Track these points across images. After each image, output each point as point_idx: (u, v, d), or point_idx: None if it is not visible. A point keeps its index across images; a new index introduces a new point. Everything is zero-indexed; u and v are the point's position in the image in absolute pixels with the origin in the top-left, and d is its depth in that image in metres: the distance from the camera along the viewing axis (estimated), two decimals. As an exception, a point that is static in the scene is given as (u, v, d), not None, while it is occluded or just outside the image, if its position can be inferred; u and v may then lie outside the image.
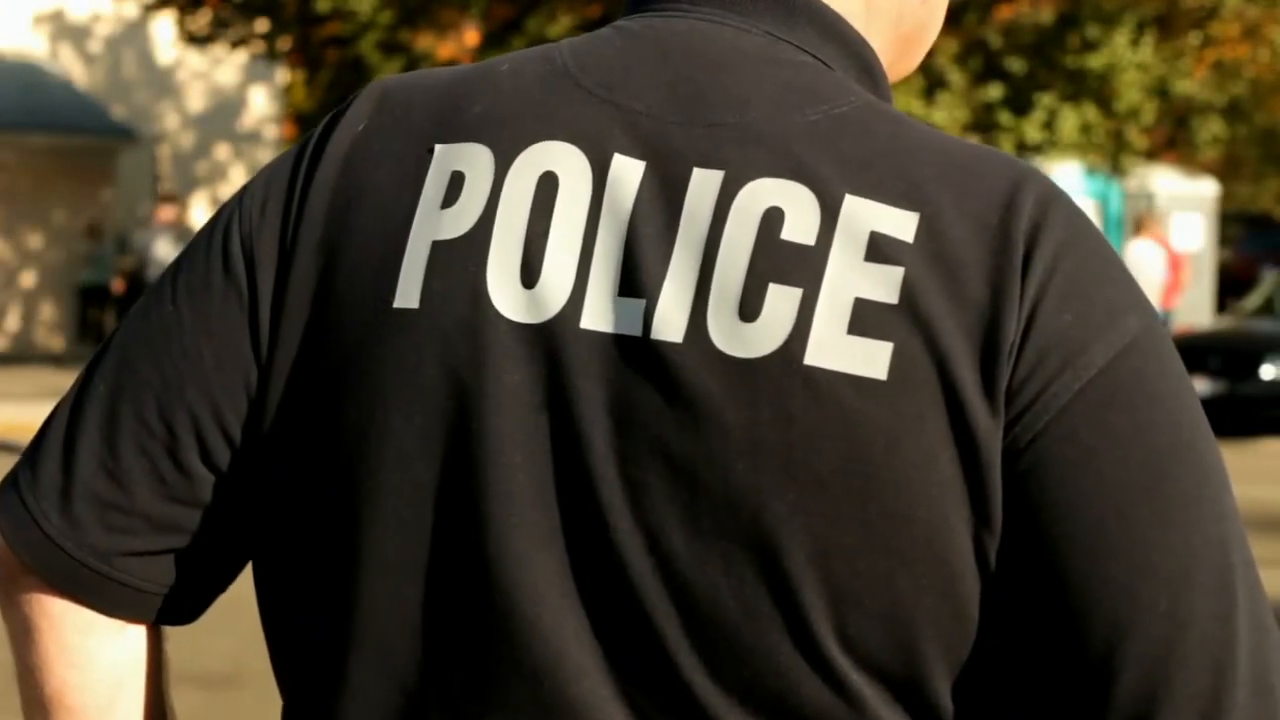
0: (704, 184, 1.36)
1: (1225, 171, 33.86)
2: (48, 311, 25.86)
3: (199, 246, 1.48)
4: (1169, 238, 21.53)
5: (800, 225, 1.34)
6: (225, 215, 1.48)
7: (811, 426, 1.31)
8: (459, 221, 1.39)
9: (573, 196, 1.38)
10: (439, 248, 1.39)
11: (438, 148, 1.42)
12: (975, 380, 1.31)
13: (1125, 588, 1.30)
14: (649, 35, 1.44)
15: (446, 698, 1.39)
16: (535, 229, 1.38)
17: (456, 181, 1.40)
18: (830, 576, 1.32)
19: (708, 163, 1.36)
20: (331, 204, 1.43)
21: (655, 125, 1.39)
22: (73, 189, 25.59)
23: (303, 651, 1.45)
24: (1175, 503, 1.32)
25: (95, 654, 1.49)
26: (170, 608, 1.51)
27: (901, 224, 1.33)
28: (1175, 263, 19.85)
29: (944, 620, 1.33)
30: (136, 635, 1.51)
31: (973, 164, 1.37)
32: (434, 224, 1.39)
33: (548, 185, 1.38)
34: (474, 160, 1.40)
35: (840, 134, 1.37)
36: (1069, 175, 23.05)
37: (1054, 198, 1.36)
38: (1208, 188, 25.04)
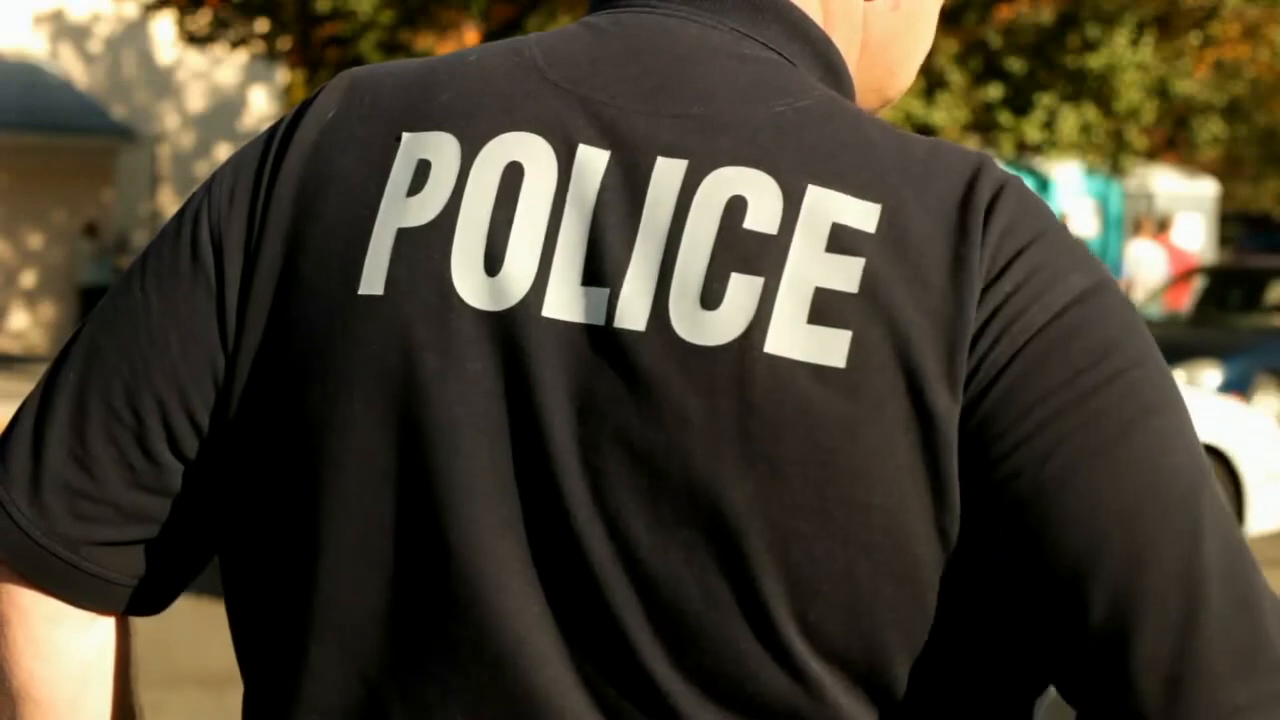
0: (668, 173, 1.36)
1: (1225, 171, 33.85)
2: (48, 311, 25.85)
3: (168, 234, 1.48)
4: (1175, 238, 21.53)
5: (763, 214, 1.34)
6: (194, 203, 1.48)
7: (771, 415, 1.32)
8: (424, 209, 1.39)
9: (537, 186, 1.38)
10: (404, 235, 1.39)
11: (405, 135, 1.42)
12: (938, 366, 1.31)
13: (1080, 528, 1.29)
14: (616, 31, 1.46)
15: (408, 685, 1.39)
16: (499, 217, 1.38)
17: (423, 169, 1.40)
18: (790, 564, 1.32)
19: (672, 152, 1.37)
20: (299, 191, 1.43)
21: (620, 116, 1.39)
22: (73, 189, 25.58)
23: (264, 639, 1.45)
24: (1117, 437, 1.31)
25: (63, 646, 1.49)
26: (138, 599, 1.51)
27: (863, 215, 1.34)
28: (1184, 263, 19.85)
29: (903, 606, 1.33)
30: (105, 627, 1.51)
31: (931, 158, 1.38)
32: (400, 211, 1.40)
33: (513, 174, 1.39)
34: (440, 149, 1.41)
35: (804, 126, 1.38)
36: (1069, 175, 23.05)
37: (1006, 183, 1.36)
38: (1208, 188, 25.05)
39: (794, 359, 1.32)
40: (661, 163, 1.37)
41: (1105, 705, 1.31)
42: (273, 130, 1.48)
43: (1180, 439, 1.33)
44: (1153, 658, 1.29)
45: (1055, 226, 1.37)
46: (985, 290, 1.33)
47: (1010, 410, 1.32)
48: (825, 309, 1.32)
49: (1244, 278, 17.66)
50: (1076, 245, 1.37)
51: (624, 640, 1.35)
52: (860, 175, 1.35)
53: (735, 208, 1.35)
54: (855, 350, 1.32)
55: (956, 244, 1.34)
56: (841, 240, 1.33)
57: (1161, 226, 20.38)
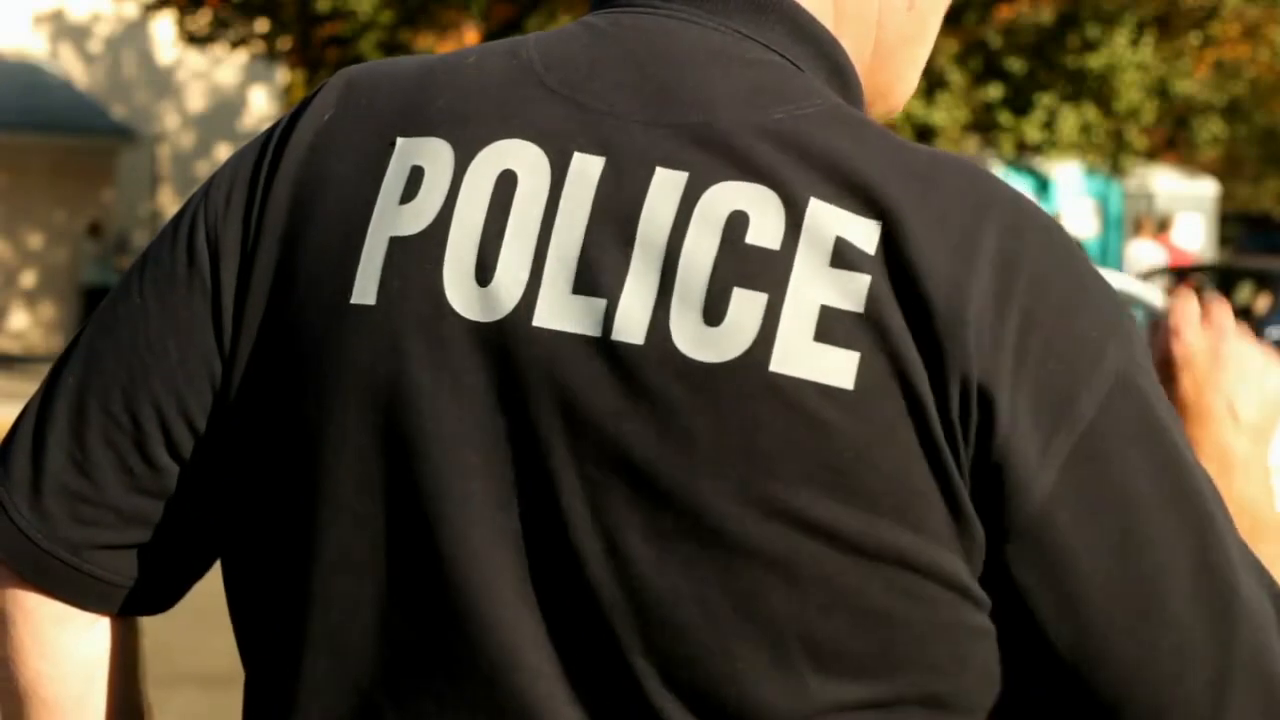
0: (666, 184, 1.34)
1: (1225, 171, 33.85)
2: (48, 311, 25.85)
3: (165, 239, 1.48)
4: (1175, 238, 21.52)
5: (765, 229, 1.32)
6: (192, 206, 1.48)
7: (778, 433, 1.30)
8: (418, 218, 1.38)
9: (531, 195, 1.36)
10: (396, 244, 1.38)
11: (399, 141, 1.41)
12: (933, 401, 1.30)
13: (1127, 653, 1.33)
14: (615, 33, 1.43)
15: (401, 697, 1.38)
16: (492, 227, 1.36)
17: (416, 177, 1.39)
18: (797, 583, 1.31)
19: (671, 163, 1.35)
20: (294, 195, 1.42)
21: (618, 124, 1.37)
22: (73, 189, 25.58)
23: (262, 645, 1.45)
24: (1164, 567, 1.33)
25: (69, 646, 1.49)
26: (142, 599, 1.51)
27: (865, 232, 1.32)
28: (1184, 263, 19.84)
29: (915, 625, 1.32)
30: (109, 627, 1.51)
31: (932, 174, 1.35)
32: (393, 219, 1.38)
33: (506, 183, 1.37)
34: (435, 155, 1.39)
35: (805, 137, 1.35)
36: (1069, 175, 23.05)
37: (1022, 218, 1.35)
38: (1208, 188, 25.06)
39: (802, 378, 1.30)
40: (660, 173, 1.34)
41: None
42: (270, 132, 1.47)
43: (1222, 548, 1.35)
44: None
45: (1078, 270, 1.35)
46: (1006, 337, 1.31)
47: (1066, 515, 1.32)
48: (831, 328, 1.31)
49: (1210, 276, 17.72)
50: (1100, 293, 1.36)
51: (619, 656, 1.33)
52: (860, 192, 1.33)
53: (736, 222, 1.33)
54: (863, 372, 1.30)
55: (960, 275, 1.31)
56: (845, 256, 1.31)
57: (1161, 226, 20.38)
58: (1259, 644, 1.34)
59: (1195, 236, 24.43)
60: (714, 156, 1.34)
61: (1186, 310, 1.56)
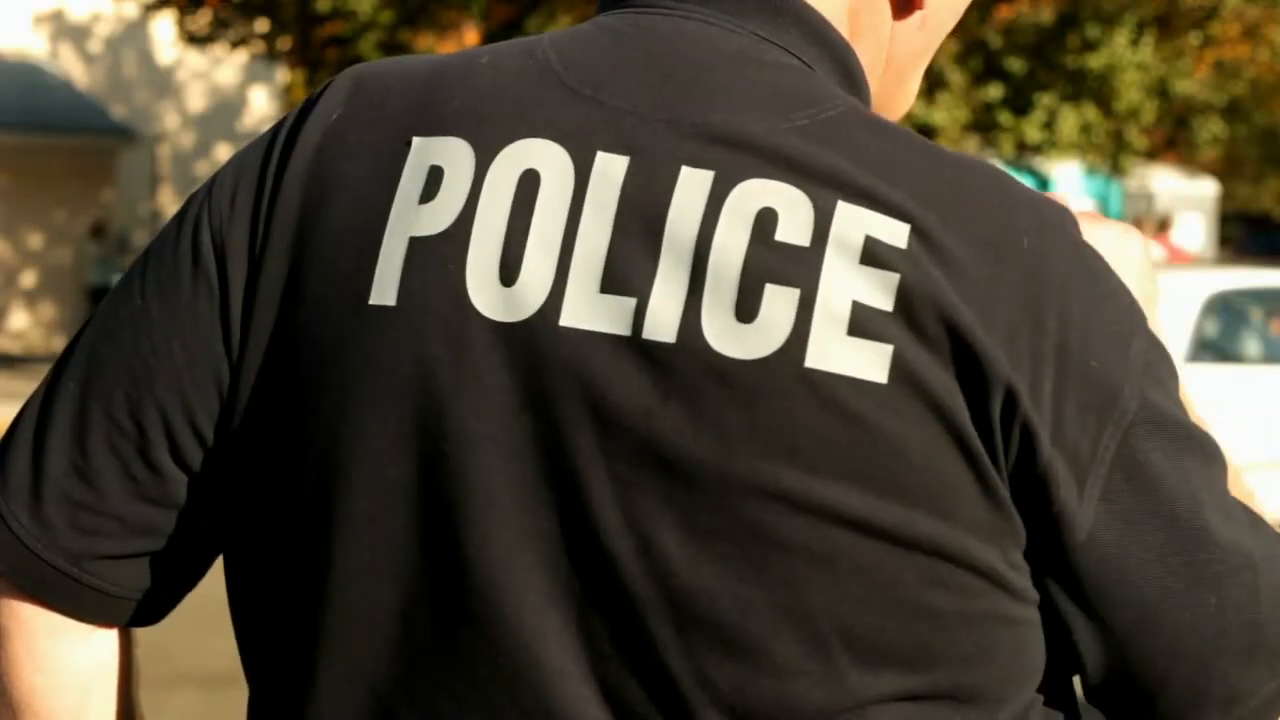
0: (692, 183, 1.34)
1: (1225, 171, 33.85)
2: (48, 311, 25.84)
3: (168, 239, 1.45)
4: (1174, 238, 21.52)
5: (794, 226, 1.32)
6: (195, 208, 1.45)
7: (813, 428, 1.31)
8: (437, 218, 1.36)
9: (554, 194, 1.35)
10: (417, 244, 1.36)
11: (415, 140, 1.39)
12: (963, 397, 1.32)
13: (1166, 648, 1.38)
14: (634, 34, 1.42)
15: (419, 701, 1.38)
16: (515, 226, 1.35)
17: (435, 176, 1.37)
18: (835, 576, 1.31)
19: (697, 162, 1.34)
20: (304, 197, 1.40)
21: (640, 124, 1.36)
22: (73, 189, 25.57)
23: (271, 651, 1.43)
24: (1204, 560, 1.38)
25: (64, 658, 1.47)
26: (138, 610, 1.49)
27: (893, 231, 1.33)
28: (1181, 261, 19.84)
29: (948, 616, 1.33)
30: (106, 639, 1.49)
31: (957, 176, 1.36)
32: (412, 219, 1.37)
33: (529, 182, 1.36)
34: (454, 155, 1.38)
35: (828, 138, 1.36)
36: (1069, 175, 23.05)
37: (1048, 220, 1.37)
38: (1208, 188, 25.06)
39: (836, 373, 1.31)
40: (686, 172, 1.34)
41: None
42: (275, 131, 1.45)
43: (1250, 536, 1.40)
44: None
45: (1088, 257, 1.37)
46: (1043, 343, 1.33)
47: (1115, 513, 1.35)
48: (864, 322, 1.31)
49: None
50: (1113, 280, 1.38)
51: (652, 655, 1.33)
52: (888, 194, 1.33)
53: (765, 219, 1.33)
54: (896, 366, 1.31)
55: (989, 273, 1.33)
56: (874, 254, 1.32)
57: (1161, 226, 20.36)
58: (1272, 580, 1.40)
59: (1195, 236, 24.42)
60: (740, 156, 1.34)
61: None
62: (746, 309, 1.32)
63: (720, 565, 1.32)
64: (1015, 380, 1.31)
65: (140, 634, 1.56)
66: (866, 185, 1.34)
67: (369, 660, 1.38)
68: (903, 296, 1.31)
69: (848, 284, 1.32)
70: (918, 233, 1.33)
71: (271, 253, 1.40)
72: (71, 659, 1.48)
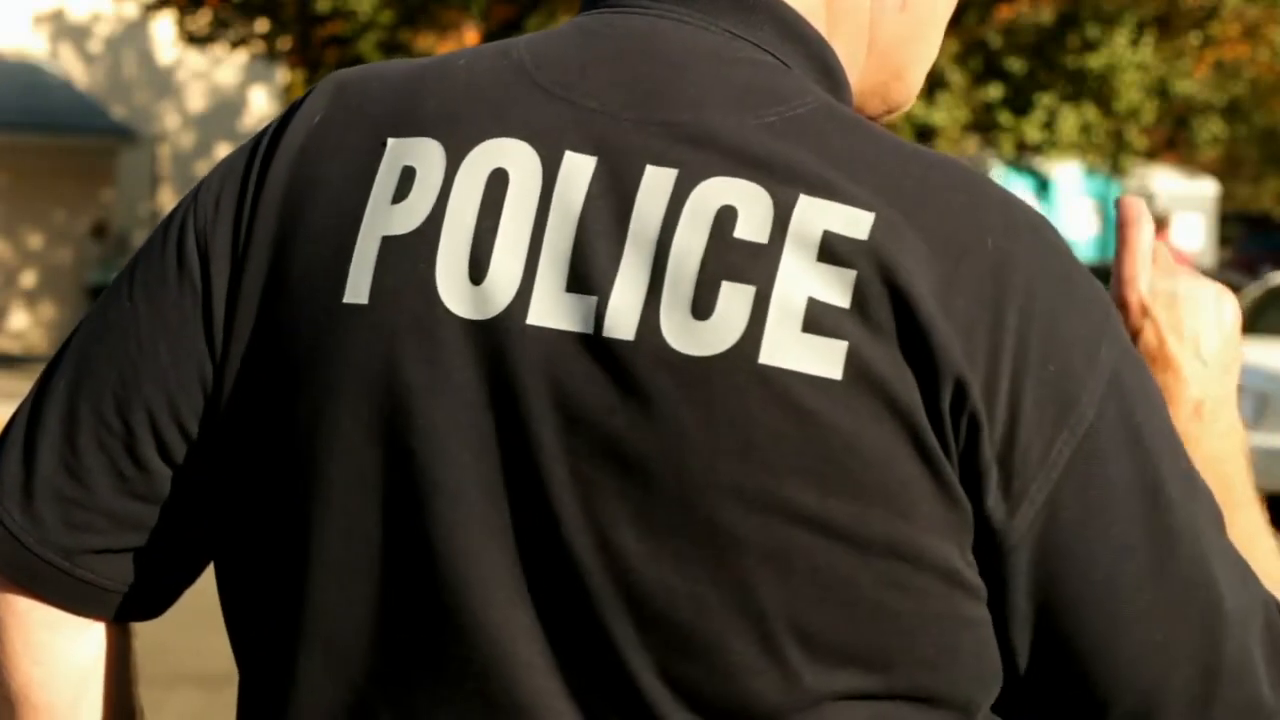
0: (656, 182, 1.34)
1: (1225, 171, 33.87)
2: (48, 311, 25.85)
3: (155, 242, 1.48)
4: (1173, 238, 21.51)
5: (753, 223, 1.33)
6: (181, 210, 1.47)
7: (767, 425, 1.31)
8: (410, 217, 1.38)
9: (522, 193, 1.37)
10: (389, 243, 1.38)
11: (390, 141, 1.41)
12: (925, 397, 1.31)
13: (1122, 641, 1.35)
14: (607, 33, 1.43)
15: (395, 695, 1.39)
16: (484, 225, 1.37)
17: (408, 176, 1.39)
18: (789, 575, 1.31)
19: (661, 160, 1.35)
20: (285, 197, 1.42)
21: (609, 123, 1.37)
22: (73, 189, 25.58)
23: (255, 645, 1.45)
24: (1163, 561, 1.35)
25: (61, 651, 1.49)
26: (135, 604, 1.51)
27: (855, 222, 1.32)
28: (1181, 262, 19.85)
29: (907, 617, 1.33)
30: (102, 632, 1.51)
31: (928, 173, 1.36)
32: (385, 219, 1.39)
33: (498, 182, 1.37)
34: (426, 155, 1.39)
35: (796, 136, 1.36)
36: (1069, 175, 23.06)
37: (1015, 218, 1.36)
38: (1208, 188, 25.07)
39: (790, 369, 1.31)
40: (650, 171, 1.35)
41: None
42: (260, 135, 1.47)
43: (1209, 541, 1.37)
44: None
45: (1072, 271, 1.36)
46: (1001, 338, 1.32)
47: (1070, 514, 1.33)
48: (819, 319, 1.31)
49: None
50: (1094, 293, 1.37)
51: (612, 650, 1.34)
52: (852, 186, 1.33)
53: (725, 217, 1.33)
54: (851, 362, 1.31)
55: (953, 276, 1.32)
56: (832, 248, 1.32)
57: (1159, 226, 20.32)
58: (1243, 644, 1.36)
59: (1195, 236, 24.43)
60: (704, 153, 1.35)
61: (1138, 256, 1.55)
62: (703, 306, 1.32)
63: (675, 563, 1.32)
64: (967, 373, 1.31)
65: (140, 633, 1.57)
66: (830, 179, 1.33)
67: (347, 654, 1.40)
68: (859, 293, 1.31)
69: (804, 281, 1.32)
70: (879, 226, 1.32)
71: (254, 253, 1.42)
72: (68, 651, 1.49)
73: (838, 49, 1.47)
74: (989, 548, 1.34)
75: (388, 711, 1.39)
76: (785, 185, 1.33)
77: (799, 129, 1.37)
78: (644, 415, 1.32)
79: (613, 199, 1.35)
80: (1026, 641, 1.35)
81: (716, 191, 1.34)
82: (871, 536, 1.31)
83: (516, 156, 1.38)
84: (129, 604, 1.50)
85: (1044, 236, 1.36)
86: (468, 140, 1.39)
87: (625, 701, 1.34)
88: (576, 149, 1.37)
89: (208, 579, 1.56)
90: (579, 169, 1.36)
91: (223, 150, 27.84)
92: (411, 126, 1.41)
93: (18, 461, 1.47)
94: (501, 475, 1.35)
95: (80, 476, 1.45)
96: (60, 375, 1.48)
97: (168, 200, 27.68)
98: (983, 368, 1.31)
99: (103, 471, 1.45)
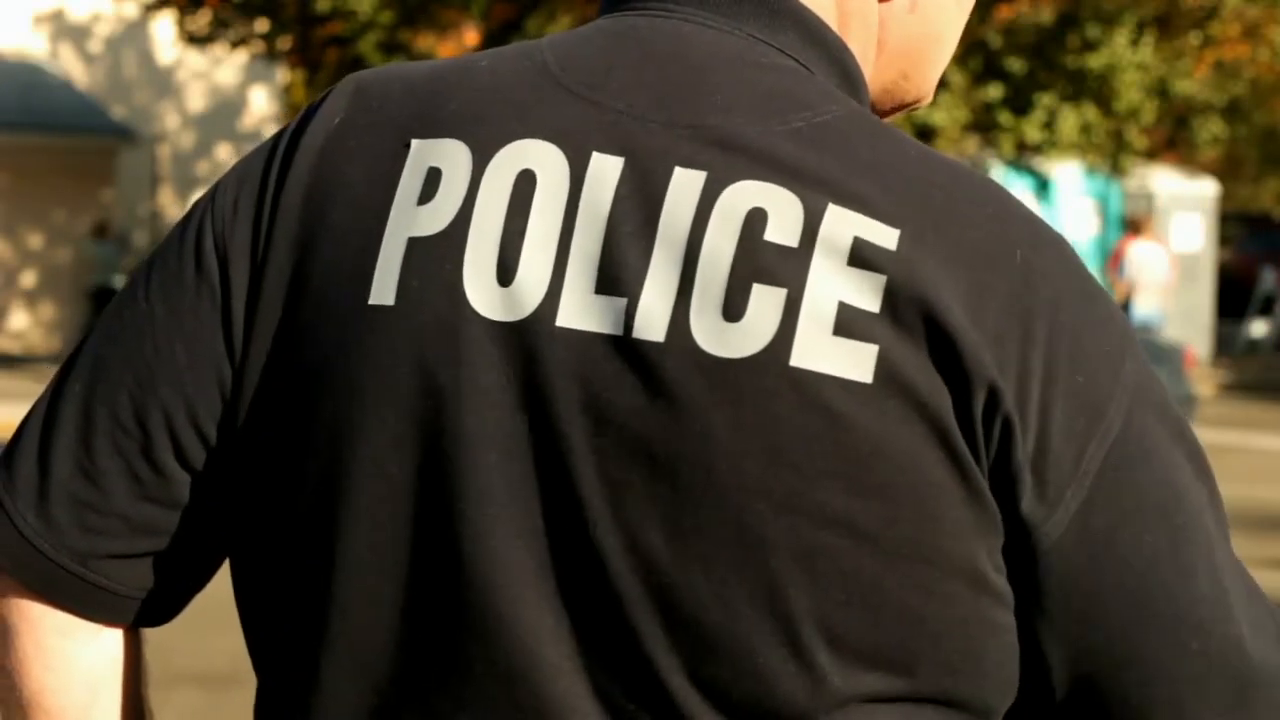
0: (685, 184, 1.35)
1: (1225, 171, 33.84)
2: (48, 312, 25.84)
3: (172, 244, 1.47)
4: (1164, 238, 21.48)
5: (783, 227, 1.33)
6: (198, 213, 1.47)
7: (797, 427, 1.31)
8: (436, 218, 1.38)
9: (550, 194, 1.37)
10: (415, 244, 1.38)
11: (414, 143, 1.40)
12: (950, 397, 1.32)
13: (1137, 646, 1.35)
14: (632, 35, 1.43)
15: (419, 697, 1.39)
16: (512, 227, 1.36)
17: (433, 178, 1.39)
18: (816, 576, 1.32)
19: (690, 163, 1.35)
20: (306, 199, 1.42)
21: (636, 125, 1.38)
22: (73, 189, 25.56)
23: (276, 649, 1.45)
24: (1179, 564, 1.36)
25: (72, 656, 1.48)
26: (147, 609, 1.50)
27: (883, 234, 1.33)
28: (1170, 264, 19.82)
29: (932, 620, 1.34)
30: (114, 637, 1.50)
31: (951, 183, 1.37)
32: (410, 220, 1.38)
33: (525, 183, 1.37)
34: (451, 156, 1.39)
35: (823, 142, 1.37)
36: (1069, 175, 23.04)
37: (1038, 236, 1.37)
38: (1208, 188, 25.05)
39: (821, 372, 1.32)
40: (679, 173, 1.35)
41: None
42: (277, 137, 1.47)
43: (1219, 555, 1.38)
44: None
45: (1093, 291, 1.38)
46: (1030, 349, 1.33)
47: (1096, 521, 1.34)
48: (850, 322, 1.32)
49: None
50: (1113, 311, 1.39)
51: (640, 652, 1.34)
52: (880, 199, 1.34)
53: (755, 220, 1.33)
54: (881, 366, 1.32)
55: (980, 279, 1.34)
56: (862, 255, 1.33)
57: (1139, 227, 20.05)
58: (1264, 649, 1.38)
59: (1195, 236, 24.41)
60: (732, 157, 1.35)
61: None
62: (734, 309, 1.32)
63: (704, 564, 1.33)
64: (999, 381, 1.32)
65: (145, 640, 1.56)
66: (858, 189, 1.34)
67: (371, 657, 1.39)
68: (890, 297, 1.32)
69: (834, 285, 1.32)
70: (908, 236, 1.33)
71: (274, 255, 1.42)
72: (80, 658, 1.49)
73: (853, 50, 1.48)
74: (1022, 552, 1.34)
75: (412, 713, 1.39)
76: (814, 192, 1.34)
77: (825, 136, 1.37)
78: (673, 417, 1.33)
79: (641, 200, 1.35)
80: (1058, 648, 1.36)
81: (746, 194, 1.34)
82: (899, 540, 1.32)
83: (543, 158, 1.38)
84: (141, 610, 1.50)
85: (1066, 253, 1.38)
86: (493, 141, 1.39)
87: (654, 703, 1.34)
88: (604, 150, 1.37)
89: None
90: (607, 170, 1.36)
91: (223, 150, 27.84)
92: (435, 128, 1.41)
93: (32, 465, 1.46)
94: (530, 477, 1.35)
95: (96, 480, 1.44)
96: (75, 378, 1.47)
97: (168, 200, 27.67)
98: (1014, 376, 1.33)
99: (118, 475, 1.44)
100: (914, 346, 1.32)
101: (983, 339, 1.32)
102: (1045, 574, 1.34)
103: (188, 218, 1.48)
